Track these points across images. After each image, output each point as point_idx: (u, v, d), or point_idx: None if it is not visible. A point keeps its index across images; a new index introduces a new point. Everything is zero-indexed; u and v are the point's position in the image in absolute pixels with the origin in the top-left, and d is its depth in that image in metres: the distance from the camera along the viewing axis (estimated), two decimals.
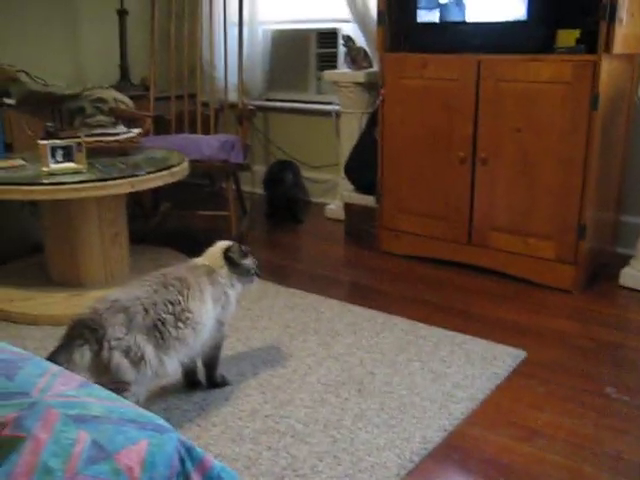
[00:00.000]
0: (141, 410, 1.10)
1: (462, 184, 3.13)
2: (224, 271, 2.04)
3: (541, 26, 2.84)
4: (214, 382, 2.13)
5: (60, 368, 1.21)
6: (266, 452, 1.80)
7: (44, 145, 2.61)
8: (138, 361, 1.73)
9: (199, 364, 2.13)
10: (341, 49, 4.12)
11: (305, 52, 4.58)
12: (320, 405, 2.04)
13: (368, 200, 3.67)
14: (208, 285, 1.96)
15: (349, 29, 4.06)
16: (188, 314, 1.85)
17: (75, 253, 2.83)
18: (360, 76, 3.78)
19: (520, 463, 1.79)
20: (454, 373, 2.23)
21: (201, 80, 4.11)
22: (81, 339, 1.67)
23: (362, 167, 3.68)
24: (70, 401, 1.07)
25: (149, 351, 1.76)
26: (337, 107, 4.11)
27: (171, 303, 1.82)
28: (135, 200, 3.96)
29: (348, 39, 3.90)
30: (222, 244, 2.10)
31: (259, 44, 4.58)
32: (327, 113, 4.33)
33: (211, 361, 2.10)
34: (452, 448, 1.85)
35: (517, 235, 3.02)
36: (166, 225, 3.97)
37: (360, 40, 3.94)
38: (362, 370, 2.25)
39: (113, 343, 1.70)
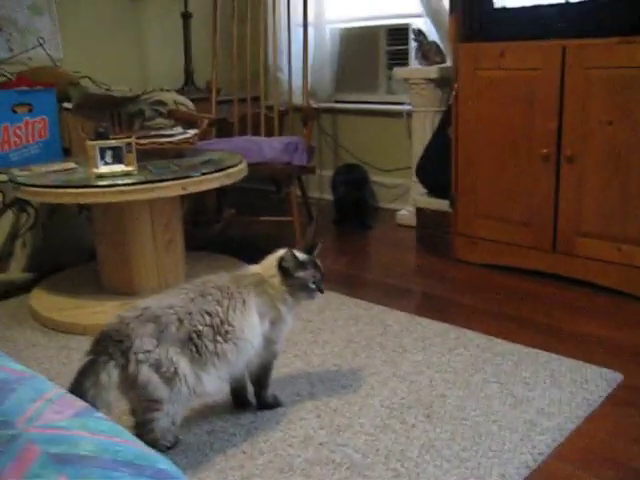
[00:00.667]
0: (144, 449, 0.89)
1: (546, 185, 2.82)
2: (276, 283, 1.79)
3: (636, 3, 2.52)
4: (265, 403, 1.91)
5: (60, 391, 1.02)
6: None
7: (92, 146, 2.48)
8: (171, 377, 1.54)
9: (249, 383, 1.93)
10: (412, 45, 3.88)
11: (374, 50, 4.35)
12: (382, 432, 1.79)
13: (442, 204, 3.40)
14: (254, 297, 1.74)
15: (420, 23, 3.82)
16: (228, 327, 1.65)
17: (127, 260, 2.68)
18: (432, 72, 3.53)
19: None
20: (538, 397, 1.94)
21: (265, 83, 3.93)
22: (105, 355, 1.49)
23: (435, 168, 3.41)
24: (57, 435, 0.87)
25: (183, 366, 1.56)
26: (408, 107, 3.87)
27: (208, 314, 1.63)
28: (198, 207, 3.84)
29: (419, 33, 3.65)
30: (280, 252, 1.86)
31: (326, 44, 4.39)
32: (398, 114, 4.09)
33: (260, 381, 1.88)
34: None
35: (609, 241, 2.69)
36: (229, 232, 3.80)
37: (432, 34, 3.70)
38: (431, 392, 1.99)
39: (141, 356, 1.51)
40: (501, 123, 2.92)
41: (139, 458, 0.86)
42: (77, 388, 1.47)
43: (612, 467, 1.64)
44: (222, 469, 1.65)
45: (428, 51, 3.62)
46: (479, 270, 3.05)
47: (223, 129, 3.83)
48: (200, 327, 1.60)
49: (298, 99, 3.88)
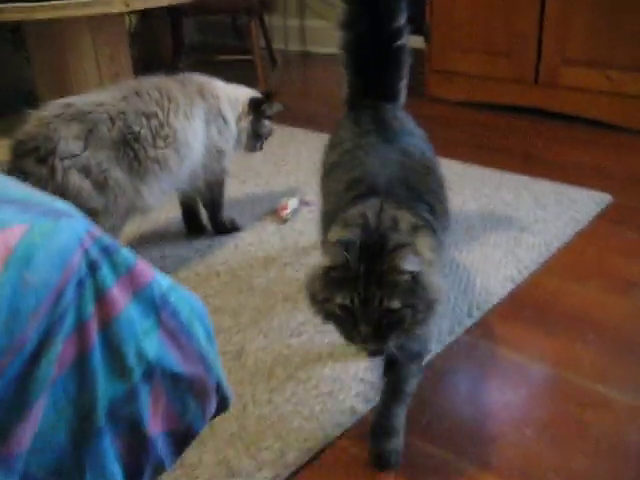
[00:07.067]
0: (39, 193, 0.69)
1: (528, 9, 2.56)
2: (244, 120, 1.71)
3: None
4: (221, 227, 1.72)
5: None
6: (281, 304, 1.41)
7: None
8: (103, 184, 1.32)
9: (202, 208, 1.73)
10: None
11: None
12: None
13: (416, 41, 3.11)
14: (200, 100, 1.53)
15: None
16: (169, 130, 1.42)
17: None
18: None
19: (616, 318, 1.37)
20: (522, 217, 1.77)
21: None
22: (23, 172, 1.25)
23: None
24: None
25: (118, 173, 1.34)
26: None
27: (145, 116, 1.39)
28: (152, 52, 3.52)
29: None
30: (250, 92, 1.76)
31: None
32: None
33: (213, 202, 1.69)
34: (523, 301, 1.43)
35: (596, 68, 2.47)
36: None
37: None
38: None
39: (67, 162, 1.27)
40: None
41: (33, 197, 0.65)
42: None
43: (601, 277, 1.51)
44: None
45: None
46: (455, 107, 2.83)
47: None
48: (137, 128, 1.37)
49: None
